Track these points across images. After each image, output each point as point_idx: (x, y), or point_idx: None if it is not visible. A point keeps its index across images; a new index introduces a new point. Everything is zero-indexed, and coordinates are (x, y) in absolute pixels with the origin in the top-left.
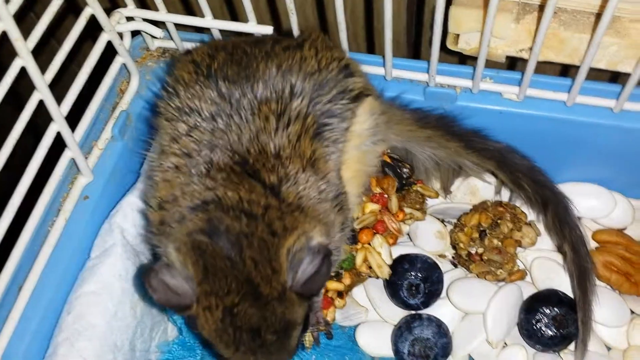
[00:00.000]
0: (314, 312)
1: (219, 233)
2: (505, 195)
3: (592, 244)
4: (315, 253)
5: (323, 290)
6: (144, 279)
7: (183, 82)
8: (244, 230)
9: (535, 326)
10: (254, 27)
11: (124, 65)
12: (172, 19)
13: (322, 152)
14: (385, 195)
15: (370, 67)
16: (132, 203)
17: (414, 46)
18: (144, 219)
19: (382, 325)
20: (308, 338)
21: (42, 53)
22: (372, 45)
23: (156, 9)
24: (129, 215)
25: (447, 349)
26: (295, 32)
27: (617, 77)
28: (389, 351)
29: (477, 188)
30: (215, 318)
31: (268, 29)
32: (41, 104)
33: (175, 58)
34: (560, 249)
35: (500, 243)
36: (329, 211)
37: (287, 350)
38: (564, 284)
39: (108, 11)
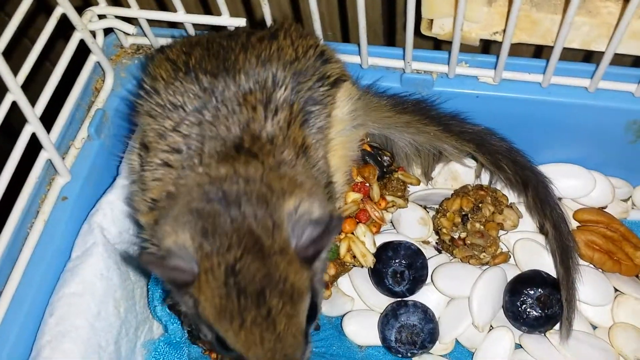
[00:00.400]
0: (319, 298)
1: (217, 196)
2: (485, 179)
3: (574, 224)
4: (319, 221)
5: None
6: (140, 260)
7: (162, 80)
8: (241, 189)
9: (520, 308)
10: (227, 19)
11: (98, 64)
12: (144, 15)
13: (311, 140)
14: (367, 184)
15: (347, 56)
16: (111, 202)
17: (389, 33)
18: (135, 224)
19: (368, 314)
20: None
21: (14, 53)
22: (347, 34)
23: (128, 6)
24: (108, 214)
25: (433, 334)
26: (269, 22)
27: (590, 57)
28: (376, 339)
29: (458, 173)
30: (219, 281)
31: (241, 21)
32: (15, 106)
33: (150, 56)
34: (542, 229)
35: (482, 227)
36: (323, 197)
37: (296, 318)
38: (547, 265)
39: (80, 9)
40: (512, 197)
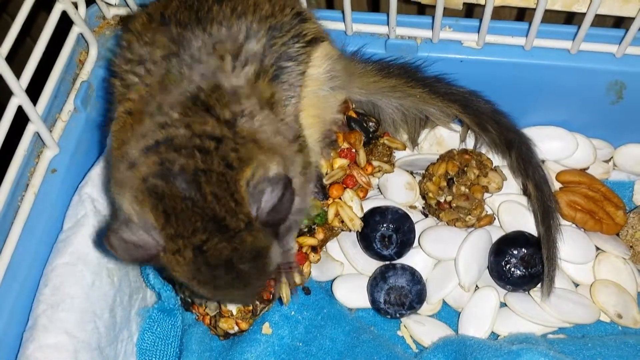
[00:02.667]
0: (286, 251)
1: (174, 174)
2: (470, 143)
3: (556, 185)
4: (275, 183)
5: (296, 245)
6: (105, 242)
7: (136, 33)
8: (199, 166)
9: (505, 267)
10: None
11: (82, 36)
12: None
13: (281, 96)
14: (353, 150)
15: (331, 23)
16: (100, 173)
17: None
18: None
19: (357, 278)
20: (285, 293)
21: None
22: (331, 1)
23: None
24: (98, 185)
25: (421, 295)
26: None
27: (572, 18)
28: (365, 302)
29: (443, 138)
30: (187, 259)
31: None
32: None
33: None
34: (525, 191)
35: (467, 190)
36: (287, 147)
37: (264, 272)
38: (530, 226)
39: None
40: (496, 160)
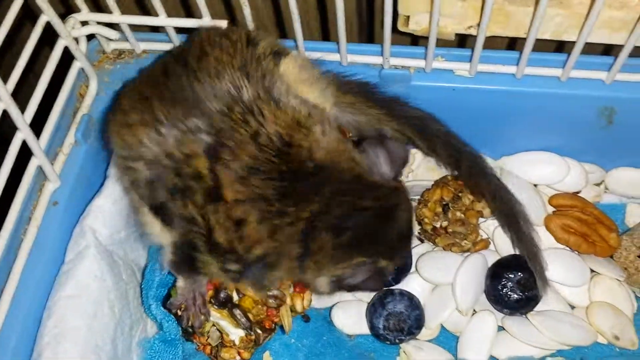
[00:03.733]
0: None
1: None
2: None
3: (549, 209)
4: None
5: None
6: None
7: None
8: None
9: (502, 291)
10: (208, 22)
11: (82, 70)
12: (126, 20)
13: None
14: None
15: (326, 54)
16: (101, 205)
17: (367, 30)
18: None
19: (356, 304)
20: (287, 322)
21: (2, 62)
22: (327, 33)
23: (110, 12)
24: (99, 217)
25: (420, 320)
26: (249, 23)
27: (562, 47)
28: (365, 328)
29: (436, 165)
30: None
31: (222, 23)
32: (4, 114)
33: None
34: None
35: (463, 215)
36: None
37: None
38: None
39: (62, 16)
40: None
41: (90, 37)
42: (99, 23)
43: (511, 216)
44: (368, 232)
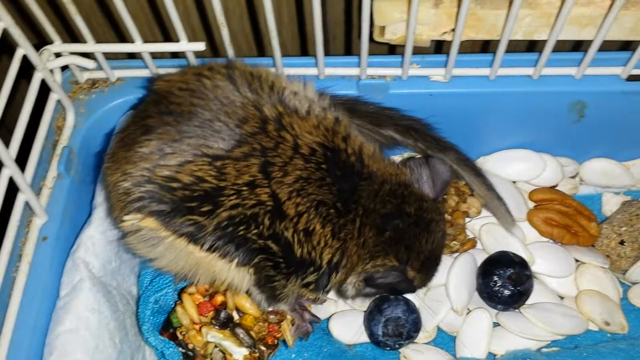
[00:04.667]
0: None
1: None
2: None
3: (530, 204)
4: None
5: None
6: None
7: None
8: None
9: (494, 288)
10: (185, 45)
11: (58, 101)
12: (101, 48)
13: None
14: None
15: (304, 69)
16: (91, 236)
17: (344, 40)
18: None
19: (352, 313)
20: (290, 337)
21: None
22: (305, 48)
23: (84, 41)
24: (90, 249)
25: (417, 324)
26: (227, 45)
27: (533, 46)
28: (363, 337)
29: None
30: None
31: (200, 46)
32: None
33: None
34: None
35: (450, 216)
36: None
37: None
38: (512, 245)
39: (36, 47)
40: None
41: (64, 67)
42: (73, 53)
43: (475, 169)
44: (405, 237)
